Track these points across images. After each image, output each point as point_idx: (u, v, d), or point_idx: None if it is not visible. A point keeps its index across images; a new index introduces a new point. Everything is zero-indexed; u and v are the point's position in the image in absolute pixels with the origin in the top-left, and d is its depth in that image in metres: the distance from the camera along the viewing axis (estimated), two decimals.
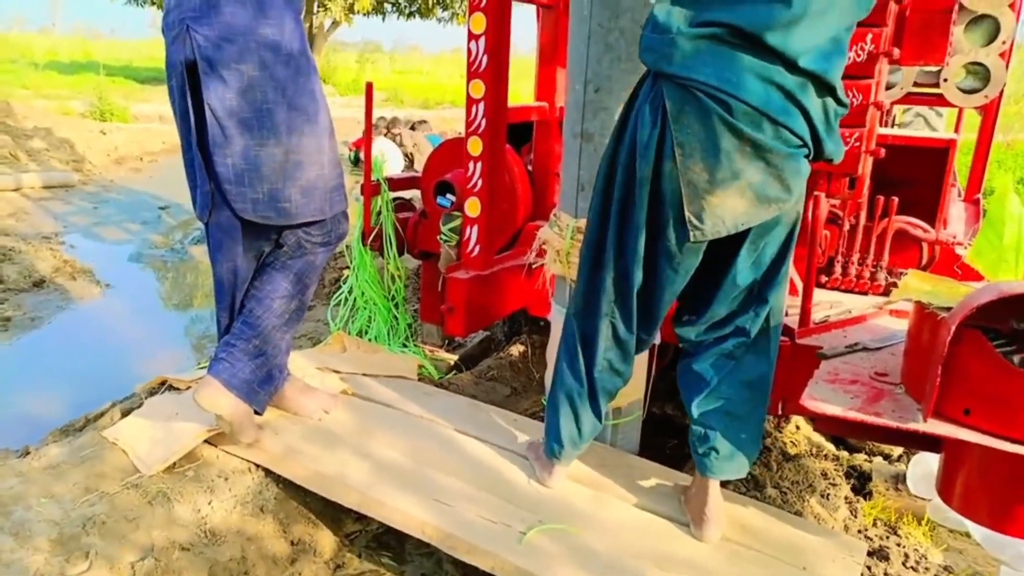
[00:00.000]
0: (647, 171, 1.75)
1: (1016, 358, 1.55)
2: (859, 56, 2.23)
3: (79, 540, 1.89)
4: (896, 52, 2.30)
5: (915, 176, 2.89)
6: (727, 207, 1.70)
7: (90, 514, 1.97)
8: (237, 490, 2.21)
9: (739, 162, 1.65)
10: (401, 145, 9.40)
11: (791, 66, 1.61)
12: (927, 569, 2.24)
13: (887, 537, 2.41)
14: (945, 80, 3.08)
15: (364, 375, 2.87)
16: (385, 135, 9.49)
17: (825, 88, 1.67)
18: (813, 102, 1.66)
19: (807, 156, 1.73)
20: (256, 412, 2.32)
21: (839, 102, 1.72)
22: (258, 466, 2.28)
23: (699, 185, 1.69)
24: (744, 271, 1.86)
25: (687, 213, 1.72)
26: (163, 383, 2.65)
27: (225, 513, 2.14)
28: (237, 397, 2.20)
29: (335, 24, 16.66)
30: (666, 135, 1.69)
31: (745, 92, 1.60)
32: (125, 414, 2.45)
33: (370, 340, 3.44)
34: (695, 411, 1.97)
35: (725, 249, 1.85)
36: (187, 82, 2.01)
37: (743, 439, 1.96)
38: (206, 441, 2.29)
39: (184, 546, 2.00)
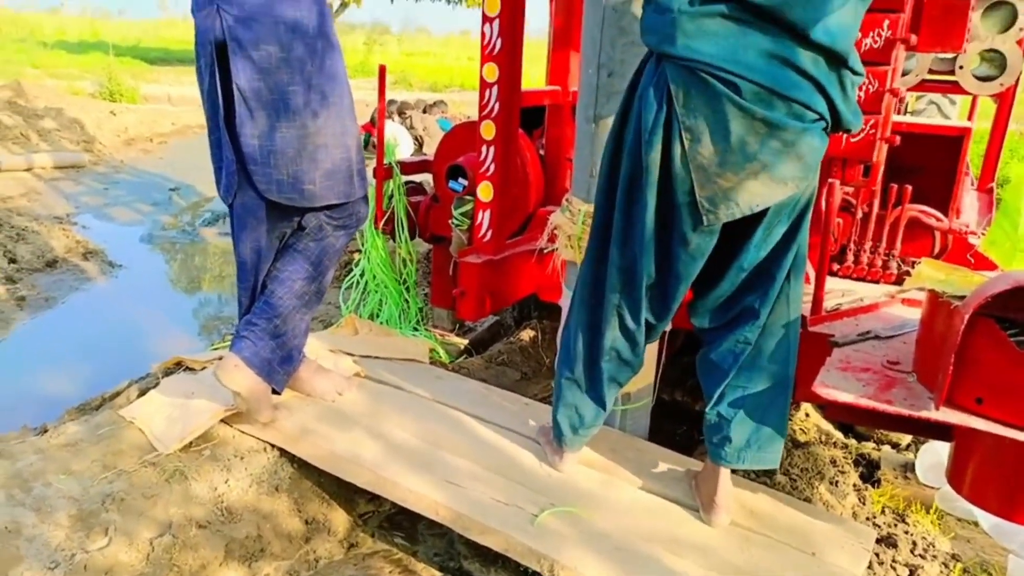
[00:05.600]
0: (653, 156, 1.70)
1: None
2: (876, 42, 2.21)
3: (98, 516, 1.92)
4: (913, 38, 2.28)
5: (928, 164, 2.87)
6: (741, 190, 1.66)
7: (109, 491, 2.00)
8: (253, 469, 2.24)
9: (752, 144, 1.60)
10: (411, 128, 9.38)
11: (801, 39, 1.55)
12: (935, 557, 2.25)
13: (895, 525, 2.43)
14: (960, 67, 3.06)
15: (376, 358, 2.89)
16: (401, 122, 9.46)
17: (836, 59, 1.61)
18: (827, 75, 1.61)
19: (825, 129, 1.68)
20: (274, 391, 2.34)
21: (854, 71, 1.66)
22: (273, 446, 2.31)
23: (709, 170, 1.64)
24: (753, 251, 1.82)
25: (699, 198, 1.68)
26: (178, 363, 2.68)
27: (241, 491, 2.17)
28: (256, 375, 2.23)
29: (344, 5, 16.57)
30: (672, 118, 1.65)
31: (753, 71, 1.55)
32: (141, 393, 2.47)
33: (381, 323, 3.46)
34: (711, 400, 1.94)
35: (738, 229, 1.80)
36: (216, 62, 2.02)
37: (761, 430, 1.92)
38: (222, 421, 2.32)
39: (201, 523, 2.03)
